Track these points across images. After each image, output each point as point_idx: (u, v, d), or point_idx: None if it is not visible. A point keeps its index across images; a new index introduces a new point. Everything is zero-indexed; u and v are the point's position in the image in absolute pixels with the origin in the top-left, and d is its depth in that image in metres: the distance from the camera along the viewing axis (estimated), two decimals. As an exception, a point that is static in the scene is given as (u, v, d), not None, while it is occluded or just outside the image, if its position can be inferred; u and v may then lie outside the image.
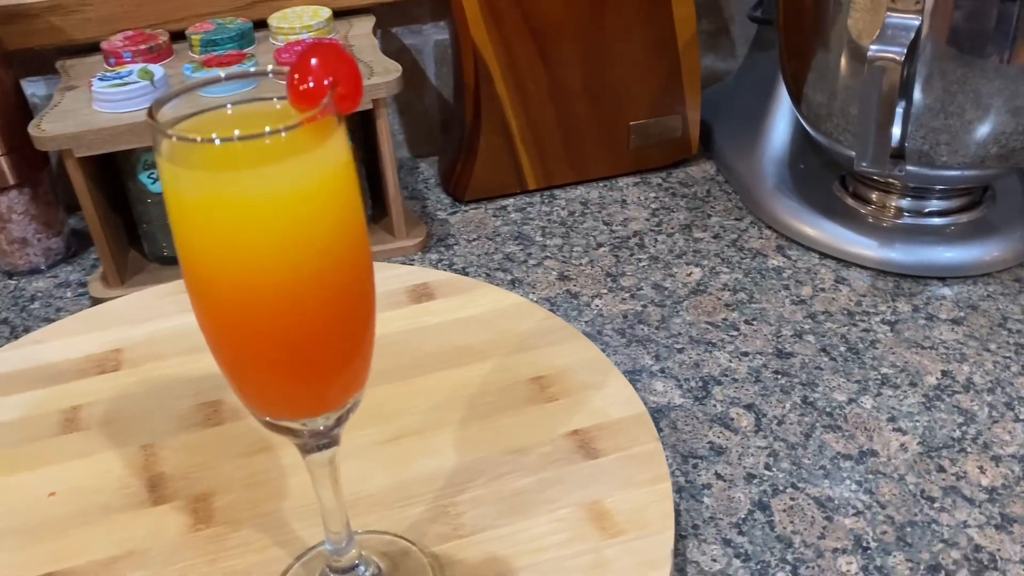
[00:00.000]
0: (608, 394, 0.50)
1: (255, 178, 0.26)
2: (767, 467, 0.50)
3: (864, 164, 0.59)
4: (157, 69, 0.65)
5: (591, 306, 0.64)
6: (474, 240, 0.73)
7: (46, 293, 0.70)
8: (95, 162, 0.66)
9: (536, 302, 0.62)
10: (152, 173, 0.66)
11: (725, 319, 0.62)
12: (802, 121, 0.70)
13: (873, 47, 0.55)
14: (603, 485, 0.44)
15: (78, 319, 0.60)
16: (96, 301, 0.66)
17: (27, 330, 0.65)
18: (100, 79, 0.64)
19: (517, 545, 0.41)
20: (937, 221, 0.68)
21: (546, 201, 0.78)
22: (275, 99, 0.29)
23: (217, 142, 0.26)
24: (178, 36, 0.73)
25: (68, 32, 0.72)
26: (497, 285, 0.64)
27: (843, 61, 0.62)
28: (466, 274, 0.68)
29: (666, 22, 0.75)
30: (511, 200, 0.78)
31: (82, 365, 0.55)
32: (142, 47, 0.69)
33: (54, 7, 0.71)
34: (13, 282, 0.71)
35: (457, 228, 0.75)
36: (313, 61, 0.28)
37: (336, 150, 0.28)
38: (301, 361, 0.30)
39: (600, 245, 0.71)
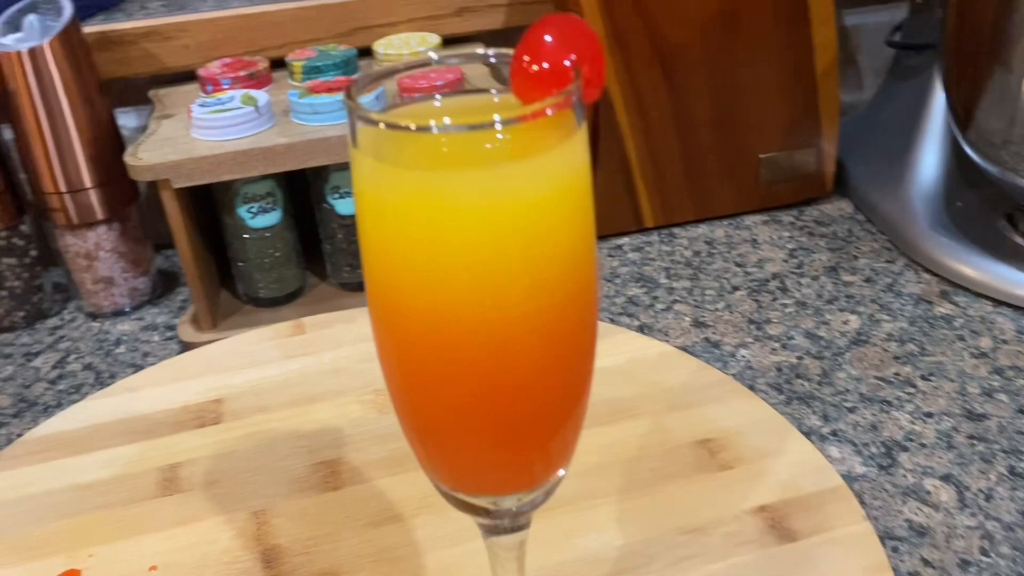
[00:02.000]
0: (793, 462, 0.42)
1: (479, 180, 0.20)
2: (983, 552, 0.42)
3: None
4: (261, 95, 0.60)
5: (736, 357, 0.57)
6: (594, 282, 0.66)
7: (132, 336, 0.64)
8: (189, 195, 0.61)
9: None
10: (252, 207, 0.60)
11: (897, 374, 0.54)
12: (969, 151, 0.63)
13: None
14: (810, 575, 0.36)
15: (172, 365, 0.54)
16: (186, 346, 0.61)
17: (113, 376, 0.59)
18: (200, 105, 0.59)
19: (716, 650, 0.34)
20: (1124, 262, 0.60)
21: (665, 240, 0.71)
22: (492, 90, 0.23)
23: (435, 130, 0.20)
24: (276, 64, 0.68)
25: (163, 60, 0.68)
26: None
27: (1027, 82, 0.55)
28: (590, 320, 0.61)
29: (804, 47, 0.68)
30: (626, 239, 0.72)
31: (179, 417, 0.49)
32: (241, 73, 0.64)
33: (151, 33, 0.67)
34: (97, 324, 0.66)
35: (573, 269, 0.68)
36: (547, 38, 0.21)
37: (576, 152, 0.21)
38: (508, 419, 0.23)
39: (736, 288, 0.64)
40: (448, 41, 0.71)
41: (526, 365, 0.22)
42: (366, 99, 0.22)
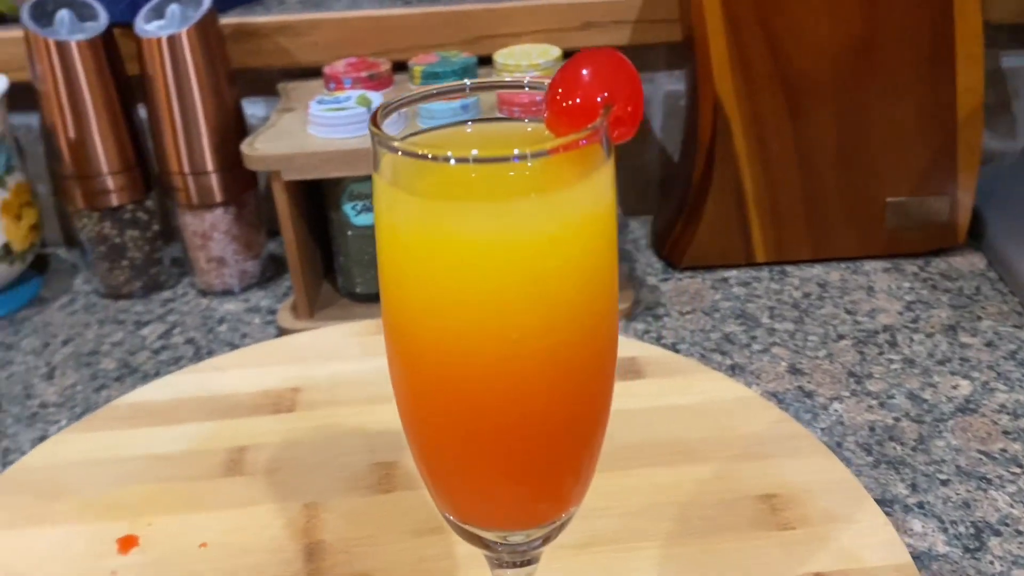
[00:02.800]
0: (861, 532, 0.39)
1: (494, 213, 0.20)
2: (1072, 663, 0.38)
3: None
4: (376, 96, 0.62)
5: (829, 410, 0.54)
6: (688, 313, 0.64)
7: (235, 317, 0.67)
8: (301, 187, 0.63)
9: (760, 395, 0.53)
10: (356, 205, 0.62)
11: (1004, 450, 0.50)
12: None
13: None
14: (855, 658, 0.34)
15: (260, 349, 0.56)
16: (283, 331, 0.63)
17: (211, 352, 0.62)
18: (318, 102, 0.61)
19: None
20: None
21: (776, 278, 0.68)
22: (527, 120, 0.23)
23: (452, 162, 0.19)
24: (401, 67, 0.69)
25: (293, 54, 0.71)
26: (714, 369, 0.55)
27: None
28: (677, 351, 0.59)
29: (947, 89, 0.64)
30: (734, 272, 0.69)
31: (257, 400, 0.50)
32: (363, 74, 0.66)
33: (284, 28, 0.70)
34: (205, 301, 0.69)
35: (669, 297, 0.67)
36: (584, 72, 0.21)
37: (601, 189, 0.20)
38: (517, 455, 0.22)
39: (841, 337, 0.61)
40: (569, 55, 0.70)
41: (537, 401, 0.22)
42: (389, 123, 0.22)
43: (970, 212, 0.68)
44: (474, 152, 0.19)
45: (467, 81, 0.24)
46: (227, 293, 0.70)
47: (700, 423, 0.47)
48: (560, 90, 0.21)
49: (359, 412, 0.49)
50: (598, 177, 0.20)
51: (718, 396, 0.49)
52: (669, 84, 0.76)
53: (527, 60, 0.66)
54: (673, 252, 0.70)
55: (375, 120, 0.22)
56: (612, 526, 0.41)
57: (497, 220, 0.20)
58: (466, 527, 0.25)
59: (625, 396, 0.49)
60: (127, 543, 0.41)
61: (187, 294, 0.70)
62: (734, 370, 0.57)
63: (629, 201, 0.81)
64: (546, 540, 0.25)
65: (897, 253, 0.69)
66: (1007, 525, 0.45)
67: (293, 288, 0.64)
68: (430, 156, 0.20)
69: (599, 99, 0.20)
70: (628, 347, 0.54)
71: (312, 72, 0.71)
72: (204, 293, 0.70)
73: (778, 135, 0.65)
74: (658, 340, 0.61)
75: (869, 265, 0.69)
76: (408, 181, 0.21)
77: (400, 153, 0.20)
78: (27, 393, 0.59)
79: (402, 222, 0.21)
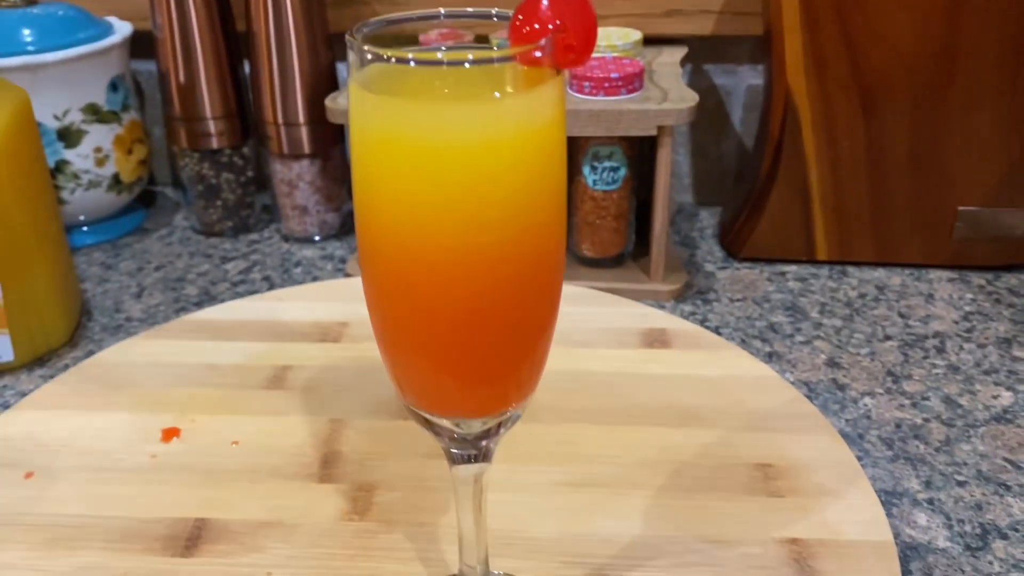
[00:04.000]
0: (847, 508, 0.40)
1: (449, 112, 0.22)
2: (1050, 664, 0.38)
3: None
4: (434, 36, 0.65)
5: (859, 404, 0.54)
6: (738, 300, 0.65)
7: (309, 262, 0.72)
8: (380, 144, 0.67)
9: (792, 383, 0.53)
10: (351, 179, 0.66)
11: (1031, 461, 0.49)
12: None
13: None
14: (812, 616, 0.35)
15: (320, 287, 0.60)
16: (348, 278, 0.67)
17: (282, 290, 0.67)
18: (401, 64, 0.65)
19: (682, 653, 0.33)
20: None
21: (835, 276, 0.68)
22: (495, 45, 0.25)
23: (412, 63, 0.22)
24: (486, 39, 0.72)
25: (391, 22, 0.75)
26: (752, 354, 0.56)
27: None
28: (718, 334, 0.60)
29: (1030, 98, 0.62)
30: (793, 267, 0.69)
31: (307, 329, 0.55)
32: (452, 43, 0.69)
33: (384, -4, 0.74)
34: (286, 246, 0.75)
35: (723, 284, 0.67)
36: (544, 2, 0.23)
37: (545, 101, 0.23)
38: (467, 343, 0.25)
39: (888, 338, 0.60)
40: (651, 40, 0.72)
41: (482, 292, 0.24)
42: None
43: (1047, 229, 0.66)
44: (439, 56, 0.22)
45: (441, 9, 0.27)
46: (307, 240, 0.75)
47: (714, 393, 0.48)
48: (520, 17, 0.23)
49: (397, 349, 0.52)
50: (544, 91, 0.23)
51: (738, 372, 0.50)
52: (751, 78, 0.77)
53: (607, 41, 0.68)
54: (734, 242, 0.71)
55: (352, 33, 0.25)
56: (611, 472, 0.43)
57: (445, 119, 0.22)
58: (420, 412, 0.28)
59: (649, 362, 0.51)
60: (170, 433, 0.46)
61: (272, 238, 0.76)
62: (771, 357, 0.58)
63: (703, 190, 0.82)
64: (490, 433, 0.28)
65: (965, 264, 0.68)
66: (1016, 531, 0.45)
67: (363, 239, 0.68)
68: (392, 58, 0.23)
69: (550, 26, 0.23)
70: (662, 319, 0.55)
71: (407, 40, 0.75)
72: (287, 238, 0.75)
73: (849, 135, 0.65)
74: (702, 322, 0.62)
75: (934, 273, 0.68)
76: (376, 85, 0.23)
77: (368, 54, 0.23)
78: (116, 308, 0.66)
79: (366, 122, 0.24)
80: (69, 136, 0.69)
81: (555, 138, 0.24)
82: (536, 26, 0.23)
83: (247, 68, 0.72)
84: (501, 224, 0.23)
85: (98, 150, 0.70)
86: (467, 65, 0.22)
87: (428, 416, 0.27)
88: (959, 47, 0.61)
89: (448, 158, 0.23)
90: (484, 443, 0.28)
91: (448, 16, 0.27)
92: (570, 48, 0.23)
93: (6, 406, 0.54)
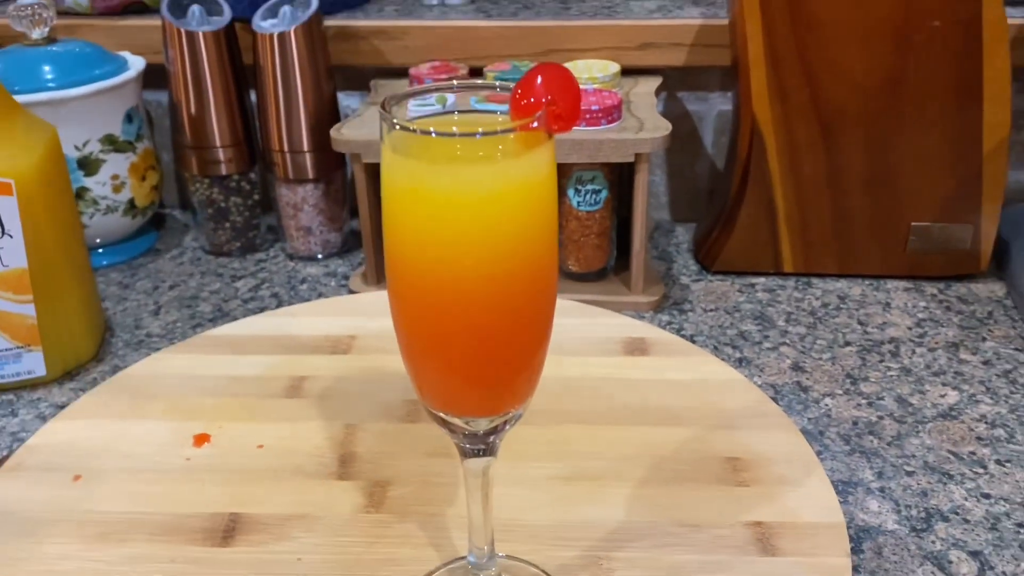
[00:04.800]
0: (805, 494, 0.46)
1: (461, 172, 0.28)
2: (980, 627, 0.43)
3: None
4: (451, 96, 0.70)
5: (820, 404, 0.60)
6: (711, 311, 0.71)
7: (314, 279, 0.77)
8: (378, 172, 0.72)
9: (759, 386, 0.59)
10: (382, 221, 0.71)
11: (972, 453, 0.55)
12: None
13: None
14: (772, 586, 0.40)
15: (329, 303, 0.65)
16: (353, 294, 0.72)
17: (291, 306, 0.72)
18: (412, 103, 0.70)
19: (661, 618, 0.39)
20: None
21: (800, 287, 0.74)
22: (499, 113, 0.31)
23: (433, 134, 0.28)
24: (477, 72, 0.78)
25: (386, 56, 0.81)
26: (723, 360, 0.62)
27: None
28: (693, 342, 0.65)
29: (973, 123, 0.69)
30: (762, 279, 0.75)
31: (319, 342, 0.60)
32: (443, 76, 0.75)
33: (379, 32, 0.80)
34: (292, 264, 0.80)
35: (697, 295, 0.73)
36: (538, 80, 0.29)
37: (540, 162, 0.28)
38: (477, 354, 0.30)
39: (848, 344, 0.66)
40: (628, 71, 0.78)
41: (486, 315, 0.29)
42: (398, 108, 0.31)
43: (992, 241, 0.72)
44: (453, 128, 0.28)
45: (455, 81, 0.32)
46: (311, 259, 0.80)
47: (689, 396, 0.53)
48: (519, 91, 0.29)
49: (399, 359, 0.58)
50: (538, 153, 0.28)
51: (710, 376, 0.55)
52: (722, 104, 0.83)
53: (588, 73, 0.74)
54: (707, 256, 0.77)
55: (384, 105, 0.30)
56: (598, 467, 0.48)
57: (459, 178, 0.28)
58: (437, 413, 0.33)
59: (630, 368, 0.56)
60: (201, 439, 0.51)
61: (277, 257, 0.81)
62: (741, 362, 0.64)
63: (679, 208, 0.87)
64: (496, 430, 0.33)
65: (919, 275, 0.74)
66: (957, 514, 0.50)
67: (365, 258, 0.73)
68: (417, 130, 0.28)
69: (544, 100, 0.28)
70: (642, 329, 0.61)
71: (401, 72, 0.80)
72: (291, 257, 0.81)
73: (810, 158, 0.71)
74: (678, 331, 0.68)
75: (891, 283, 0.74)
76: (403, 149, 0.29)
77: (398, 127, 0.29)
78: (136, 324, 0.71)
79: (395, 178, 0.29)
80: (88, 165, 0.74)
81: (548, 189, 0.29)
82: (532, 99, 0.28)
83: (253, 99, 0.78)
84: (505, 259, 0.29)
85: (115, 177, 0.75)
86: (478, 136, 0.28)
87: (444, 416, 0.33)
88: (907, 77, 0.68)
89: (462, 208, 0.28)
90: (491, 439, 0.34)
91: (460, 88, 0.33)
92: (559, 118, 0.28)
93: (42, 417, 0.59)
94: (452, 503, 0.46)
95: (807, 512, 0.44)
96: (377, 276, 0.74)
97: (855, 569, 0.47)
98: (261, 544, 0.43)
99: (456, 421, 0.33)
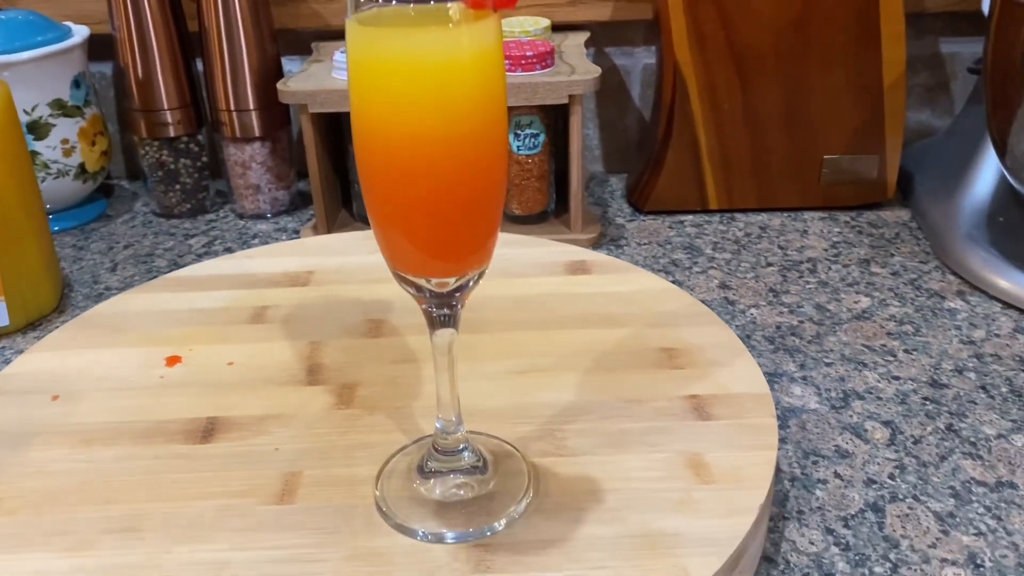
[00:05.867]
0: (735, 372, 0.51)
1: (418, 37, 0.32)
2: (891, 477, 0.49)
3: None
4: None
5: (746, 314, 0.65)
6: (644, 244, 0.76)
7: (265, 234, 0.80)
8: (325, 126, 0.75)
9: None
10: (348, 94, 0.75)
11: (884, 345, 0.61)
12: (1006, 174, 0.68)
13: (1074, 76, 0.53)
14: (708, 443, 0.45)
15: (283, 245, 0.69)
16: (304, 244, 0.75)
17: (245, 258, 0.75)
18: (342, 52, 0.74)
19: (609, 472, 0.43)
20: None
21: (725, 222, 0.80)
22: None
23: (394, 3, 0.32)
24: None
25: (326, 18, 0.84)
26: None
27: (1051, 103, 0.60)
28: (631, 269, 0.70)
29: (874, 61, 0.75)
30: (690, 216, 0.81)
31: (278, 278, 0.63)
32: (383, 35, 0.78)
33: (319, -4, 0.83)
34: (241, 222, 0.82)
35: (631, 233, 0.78)
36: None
37: (487, 32, 0.32)
38: (439, 212, 0.34)
39: (770, 264, 0.72)
40: (558, 27, 0.83)
41: (443, 175, 0.33)
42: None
43: (897, 170, 0.79)
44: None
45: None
46: (260, 216, 0.83)
47: (628, 303, 0.58)
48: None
49: (360, 288, 0.61)
50: (484, 24, 0.32)
51: (647, 288, 0.60)
52: (646, 58, 0.88)
53: (520, 28, 0.78)
54: (639, 198, 0.82)
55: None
56: (548, 361, 0.52)
57: (414, 42, 0.32)
58: (407, 276, 0.37)
59: (575, 285, 0.61)
60: (173, 360, 0.54)
61: (228, 217, 0.84)
62: (674, 284, 0.69)
63: (612, 160, 0.93)
64: (460, 289, 0.37)
65: (833, 206, 0.80)
66: (871, 393, 0.56)
67: (315, 208, 0.77)
68: (381, 1, 0.32)
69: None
70: (583, 254, 0.65)
71: (341, 35, 0.84)
72: (241, 216, 0.83)
73: (729, 99, 0.77)
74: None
75: (808, 215, 0.80)
76: (367, 20, 0.33)
77: (362, 1, 0.33)
78: (95, 280, 0.73)
79: (358, 46, 0.33)
80: (38, 129, 0.75)
81: (495, 58, 0.33)
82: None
83: (199, 63, 0.80)
84: (461, 120, 0.33)
85: (65, 141, 0.77)
86: (432, 2, 0.32)
87: (412, 278, 0.37)
88: (812, 20, 0.74)
89: (419, 72, 0.32)
90: (456, 300, 0.38)
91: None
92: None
93: (7, 362, 0.61)
94: (417, 397, 0.50)
95: (737, 385, 0.49)
96: (328, 228, 0.77)
97: (783, 440, 0.52)
98: (240, 440, 0.47)
99: (422, 281, 0.37)
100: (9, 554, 0.40)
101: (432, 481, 0.43)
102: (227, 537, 0.40)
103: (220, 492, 0.43)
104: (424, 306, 0.38)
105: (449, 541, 0.40)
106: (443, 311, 0.38)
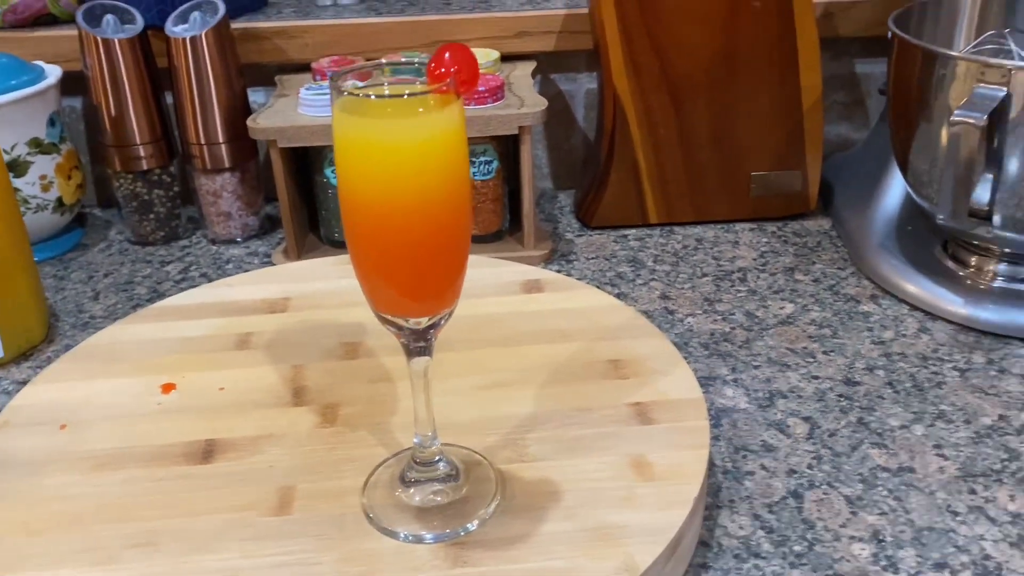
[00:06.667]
0: (673, 380, 0.58)
1: (394, 125, 0.38)
2: (809, 467, 0.57)
3: (942, 218, 0.64)
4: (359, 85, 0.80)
5: (684, 322, 0.72)
6: (592, 259, 0.83)
7: (238, 259, 0.85)
8: (292, 156, 0.81)
9: (630, 309, 0.71)
10: (335, 168, 0.80)
11: (805, 348, 0.69)
12: (908, 188, 0.76)
13: (957, 112, 0.61)
14: (650, 444, 0.52)
15: (260, 273, 0.74)
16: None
17: (221, 283, 0.80)
18: (307, 89, 0.79)
19: (566, 475, 0.50)
20: (1033, 288, 0.72)
21: (664, 235, 0.87)
22: (418, 82, 0.41)
23: (372, 97, 0.38)
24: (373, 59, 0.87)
25: (288, 53, 0.89)
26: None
27: (943, 132, 0.68)
28: (580, 284, 0.77)
29: (793, 87, 0.83)
30: (633, 231, 0.88)
31: (258, 305, 0.68)
32: (344, 68, 0.84)
33: (281, 32, 0.88)
34: (215, 248, 0.87)
35: (580, 248, 0.85)
36: (446, 55, 0.39)
37: (452, 116, 0.39)
38: (414, 266, 0.40)
39: (705, 275, 0.79)
40: (508, 58, 0.89)
41: (415, 236, 0.39)
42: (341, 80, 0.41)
43: (818, 184, 0.87)
44: (386, 92, 0.38)
45: (383, 60, 0.42)
46: (232, 242, 0.88)
47: (578, 319, 0.65)
48: (433, 64, 0.39)
49: (336, 312, 0.67)
50: (450, 109, 0.39)
51: (594, 304, 0.67)
52: (589, 83, 0.95)
53: (471, 60, 0.84)
54: (586, 214, 0.89)
55: (334, 78, 0.40)
56: (508, 377, 0.59)
57: (393, 129, 0.38)
58: (386, 316, 0.43)
59: (530, 303, 0.67)
60: (168, 387, 0.59)
61: (200, 242, 0.88)
62: (619, 296, 0.76)
63: (560, 177, 0.99)
64: (433, 327, 0.44)
65: (761, 217, 0.88)
66: (793, 392, 0.64)
67: (285, 234, 0.82)
68: (361, 95, 0.38)
69: (452, 69, 0.39)
70: (537, 274, 0.72)
71: (303, 67, 0.89)
72: (214, 242, 0.88)
73: (664, 123, 0.84)
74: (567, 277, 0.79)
75: (740, 226, 0.88)
76: (352, 109, 0.39)
77: (347, 94, 0.38)
78: (79, 309, 0.77)
79: (343, 131, 0.39)
80: (18, 167, 0.80)
81: (460, 137, 0.39)
82: (443, 69, 0.39)
83: (169, 99, 0.85)
84: (432, 191, 0.39)
85: (43, 177, 0.81)
86: (406, 96, 0.38)
87: (391, 318, 0.43)
88: (738, 49, 0.81)
89: (396, 153, 0.38)
90: (429, 336, 0.44)
91: (389, 63, 0.43)
92: (464, 82, 0.39)
93: (7, 393, 0.65)
94: (395, 414, 0.56)
95: (674, 392, 0.56)
96: (298, 251, 0.82)
97: (716, 438, 0.59)
98: (237, 459, 0.52)
99: (397, 320, 0.43)
100: (42, 571, 0.45)
101: (412, 489, 0.49)
102: (236, 547, 0.46)
103: (224, 507, 0.49)
104: (402, 340, 0.45)
105: (429, 541, 0.46)
106: (419, 344, 0.44)
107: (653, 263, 0.82)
